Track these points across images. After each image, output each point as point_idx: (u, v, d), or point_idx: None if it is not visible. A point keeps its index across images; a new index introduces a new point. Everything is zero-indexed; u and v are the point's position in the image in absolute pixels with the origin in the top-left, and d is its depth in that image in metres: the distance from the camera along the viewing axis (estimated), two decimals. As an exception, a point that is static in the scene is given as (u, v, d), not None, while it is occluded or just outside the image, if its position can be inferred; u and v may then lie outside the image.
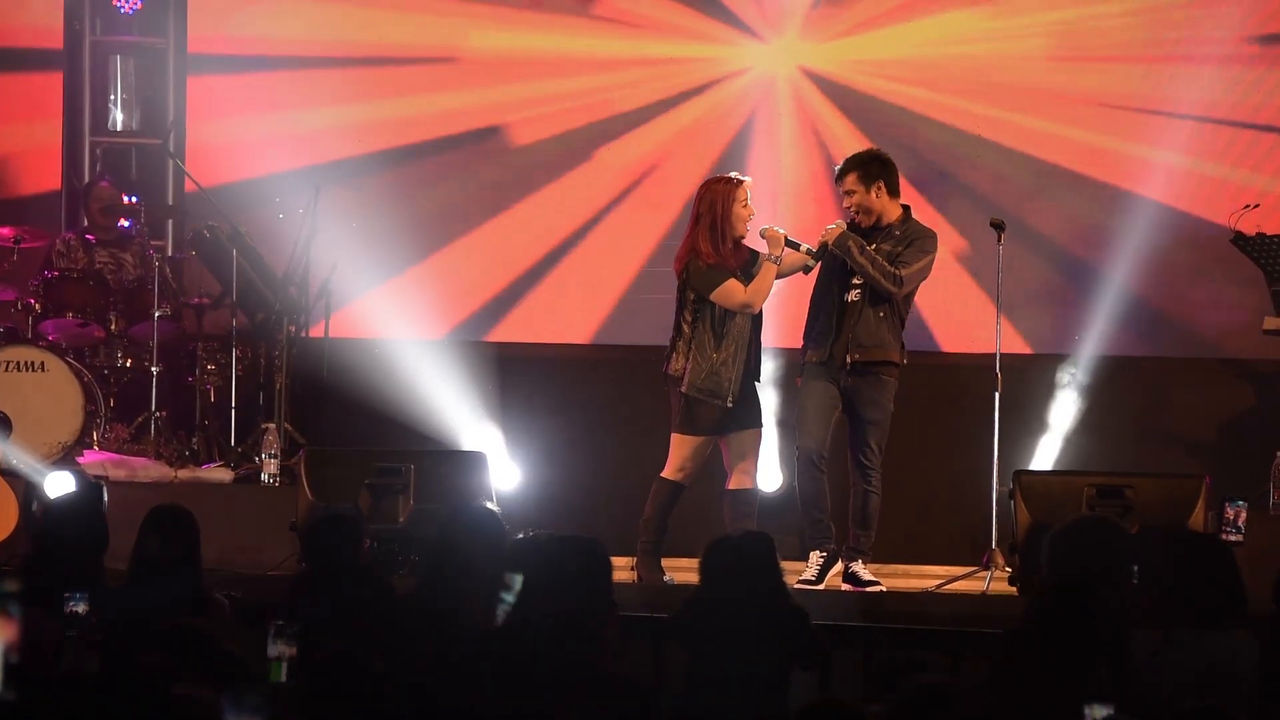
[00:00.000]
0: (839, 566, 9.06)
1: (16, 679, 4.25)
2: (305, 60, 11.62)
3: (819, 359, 9.04)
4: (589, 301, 11.61)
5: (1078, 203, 11.42)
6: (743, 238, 9.04)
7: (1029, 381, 10.67)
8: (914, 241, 9.02)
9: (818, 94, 11.57)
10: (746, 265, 9.02)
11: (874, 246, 8.96)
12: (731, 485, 9.08)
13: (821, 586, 8.95)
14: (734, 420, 9.05)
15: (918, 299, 9.48)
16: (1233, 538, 8.92)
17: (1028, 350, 11.07)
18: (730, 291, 8.96)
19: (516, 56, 11.62)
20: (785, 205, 10.87)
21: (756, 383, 9.14)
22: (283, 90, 11.62)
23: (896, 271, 8.91)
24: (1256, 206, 10.37)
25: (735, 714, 5.90)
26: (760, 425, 9.19)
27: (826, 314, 9.02)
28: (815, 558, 9.03)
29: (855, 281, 8.97)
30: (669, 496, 9.10)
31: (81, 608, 6.14)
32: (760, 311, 9.05)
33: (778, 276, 9.02)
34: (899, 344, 9.05)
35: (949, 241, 10.99)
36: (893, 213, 9.03)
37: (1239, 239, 10.22)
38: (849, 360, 8.95)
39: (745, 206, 9.01)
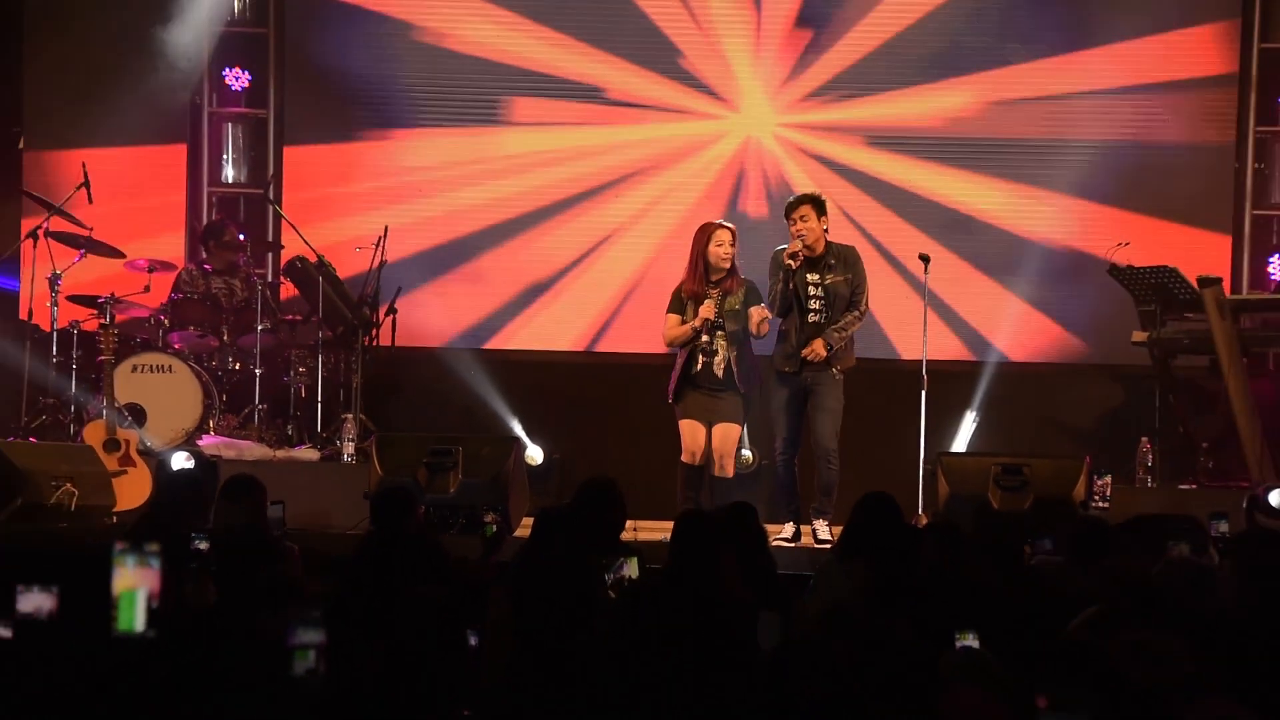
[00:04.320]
0: (806, 528, 9.12)
1: (157, 620, 4.25)
2: (379, 132, 11.67)
3: (791, 370, 9.06)
4: (600, 315, 11.61)
5: (989, 241, 11.42)
6: (723, 270, 9.03)
7: (949, 382, 10.67)
8: (851, 267, 9.09)
9: (784, 154, 11.57)
10: (726, 288, 9.04)
11: (818, 277, 9.02)
12: (713, 473, 9.09)
13: (794, 544, 9.00)
14: (706, 410, 9.07)
15: (879, 314, 9.56)
16: (1100, 505, 8.98)
17: (948, 356, 11.06)
18: (667, 325, 9.15)
19: (544, 132, 11.65)
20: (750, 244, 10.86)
21: (738, 389, 9.12)
22: (360, 151, 11.65)
23: (861, 311, 9.07)
24: (1128, 244, 10.38)
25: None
26: (734, 421, 9.14)
27: (796, 332, 9.03)
28: (789, 527, 9.11)
29: (812, 306, 9.02)
30: (680, 475, 9.11)
31: (204, 545, 6.18)
32: (742, 335, 9.04)
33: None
34: (851, 351, 9.14)
35: (887, 271, 11.07)
36: (823, 242, 9.09)
37: (1114, 270, 10.24)
38: (815, 368, 9.00)
39: (720, 246, 9.03)
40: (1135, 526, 6.29)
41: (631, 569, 5.96)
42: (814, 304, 9.04)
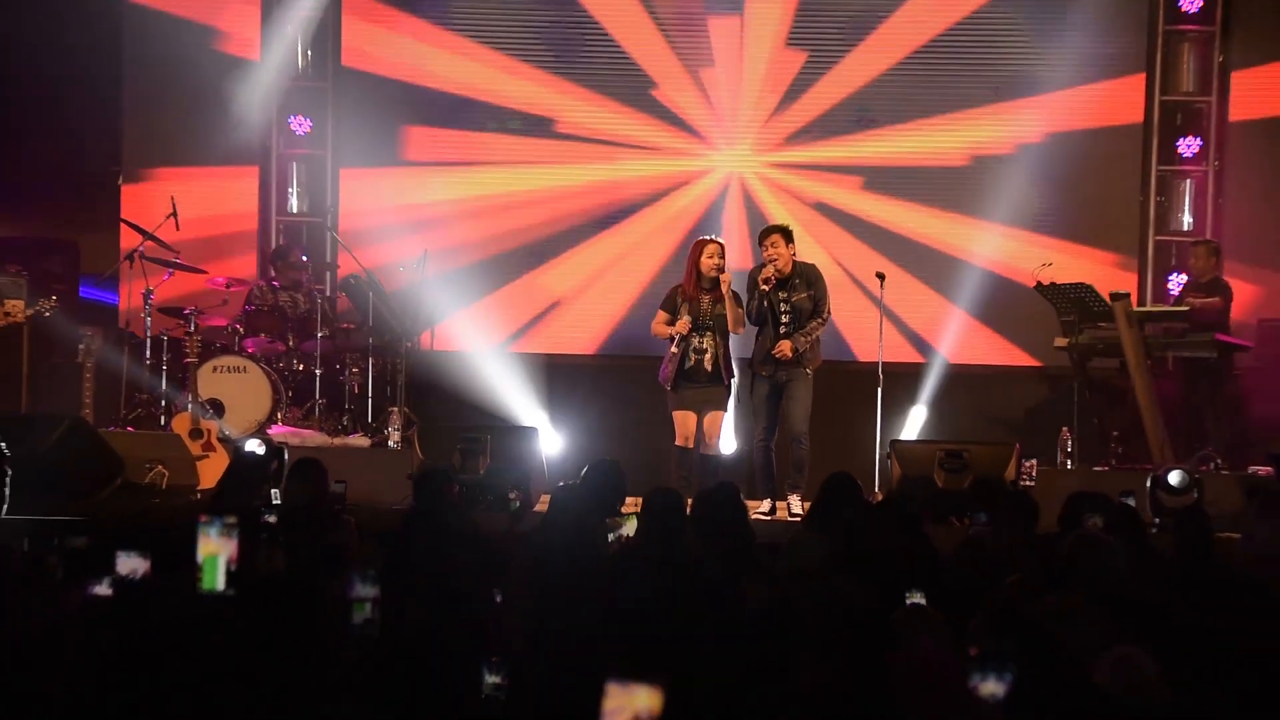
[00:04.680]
0: (782, 504, 9.14)
1: (235, 581, 4.26)
2: (420, 169, 11.69)
3: (767, 373, 9.09)
4: (605, 325, 11.62)
5: (935, 261, 11.44)
6: (714, 278, 9.06)
7: (901, 380, 10.69)
8: (814, 284, 9.12)
9: (764, 189, 11.59)
10: (715, 295, 9.06)
11: (787, 295, 9.05)
12: (702, 450, 9.12)
13: (771, 518, 9.02)
14: (697, 401, 9.08)
15: (840, 323, 9.59)
16: (1027, 483, 9.00)
17: (900, 359, 11.08)
18: (656, 319, 9.23)
19: (556, 168, 11.68)
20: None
21: (724, 382, 9.14)
22: (401, 184, 11.66)
23: (823, 318, 9.11)
24: (1050, 265, 10.40)
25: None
26: (721, 408, 9.18)
27: (770, 341, 9.07)
28: (767, 503, 9.12)
29: (783, 320, 9.05)
30: (674, 456, 9.14)
31: (272, 518, 6.17)
32: (726, 334, 9.08)
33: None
34: (818, 352, 9.17)
35: (849, 286, 11.08)
36: (791, 264, 9.11)
37: (1039, 287, 10.25)
38: (787, 367, 9.03)
39: (710, 258, 9.08)
40: (1016, 498, 6.35)
41: (630, 528, 6.01)
42: (784, 317, 9.10)
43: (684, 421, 9.11)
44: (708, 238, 9.28)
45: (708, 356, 9.08)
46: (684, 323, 9.04)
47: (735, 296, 9.08)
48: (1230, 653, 4.08)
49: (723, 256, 9.14)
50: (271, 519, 6.21)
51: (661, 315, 9.22)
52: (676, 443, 9.13)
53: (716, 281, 9.09)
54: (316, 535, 6.03)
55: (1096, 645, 4.00)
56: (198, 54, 11.45)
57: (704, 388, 9.08)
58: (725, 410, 9.20)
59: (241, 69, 11.50)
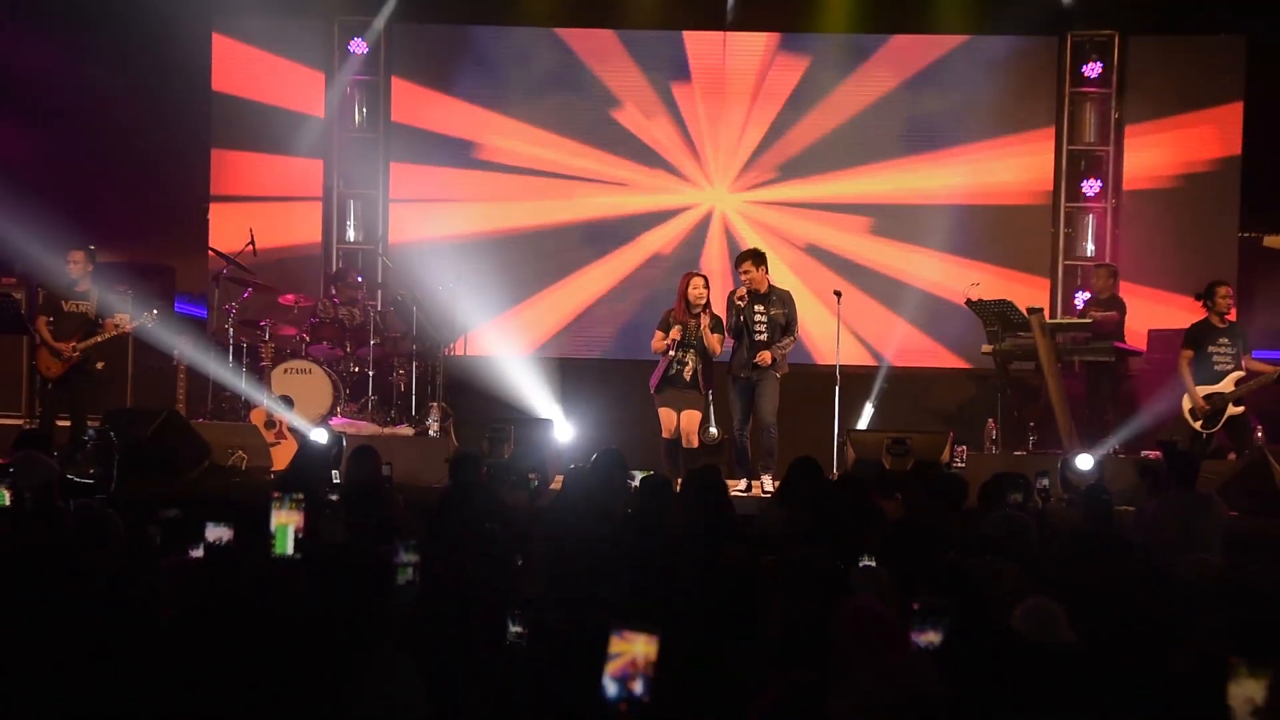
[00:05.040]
0: (756, 483, 9.10)
1: (302, 547, 4.27)
2: (455, 203, 11.69)
3: (746, 376, 9.07)
4: (609, 334, 11.60)
5: (883, 281, 11.45)
6: (697, 307, 9.01)
7: (855, 380, 10.66)
8: (787, 305, 9.08)
9: (741, 222, 11.61)
10: (699, 321, 9.04)
11: (763, 309, 9.02)
12: (684, 445, 9.10)
13: (747, 494, 8.99)
14: (676, 401, 9.06)
15: (803, 332, 9.56)
16: (959, 465, 8.99)
17: (855, 362, 11.07)
18: (655, 337, 9.10)
19: (566, 203, 11.67)
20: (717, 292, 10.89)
21: (700, 390, 9.10)
22: (441, 216, 11.66)
23: (794, 337, 9.06)
24: (978, 284, 10.42)
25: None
26: (697, 409, 9.12)
27: (747, 350, 9.03)
28: (743, 482, 9.07)
29: (758, 331, 9.01)
30: (662, 448, 9.11)
31: (333, 495, 6.15)
32: (705, 353, 9.04)
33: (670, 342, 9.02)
34: (785, 364, 9.11)
35: (813, 301, 11.08)
36: (765, 284, 9.09)
37: (969, 302, 10.26)
38: (760, 370, 8.99)
39: (694, 289, 9.03)
40: (949, 479, 6.34)
41: (639, 480, 6.20)
42: (760, 329, 9.04)
43: (667, 417, 9.11)
44: (694, 271, 9.29)
45: (687, 369, 9.07)
46: (676, 330, 9.03)
47: (716, 322, 9.05)
48: (1124, 602, 4.09)
49: (706, 287, 9.12)
50: (333, 496, 6.21)
51: (658, 334, 9.21)
52: (663, 436, 9.11)
53: (701, 307, 9.07)
54: (371, 509, 6.02)
55: (1014, 598, 4.01)
56: (273, 113, 11.45)
57: (682, 390, 9.07)
58: (700, 411, 9.15)
59: (309, 123, 11.52)
